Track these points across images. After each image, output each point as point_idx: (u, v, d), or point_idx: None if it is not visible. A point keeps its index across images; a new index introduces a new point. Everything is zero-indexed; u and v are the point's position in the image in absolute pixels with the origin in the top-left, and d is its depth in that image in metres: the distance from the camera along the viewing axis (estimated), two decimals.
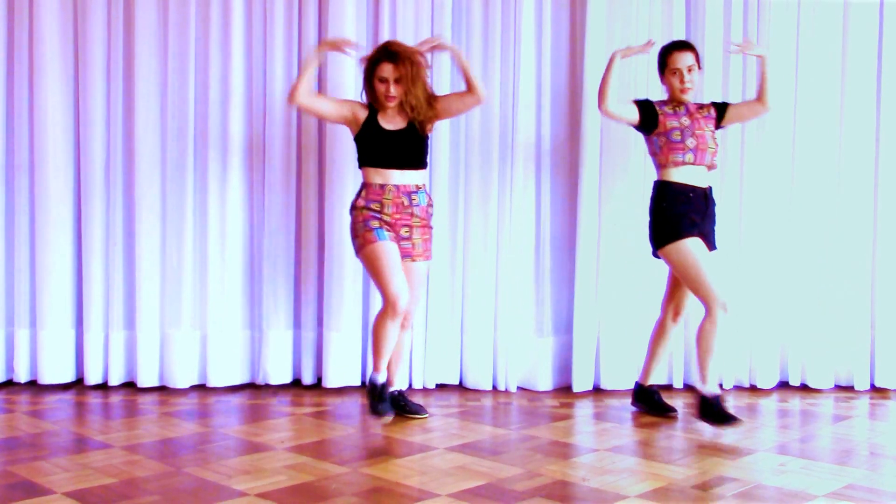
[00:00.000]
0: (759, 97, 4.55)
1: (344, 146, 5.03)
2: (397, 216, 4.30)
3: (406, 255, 4.34)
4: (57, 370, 5.15)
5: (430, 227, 4.45)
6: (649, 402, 4.66)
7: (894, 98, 5.40)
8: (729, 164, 5.29)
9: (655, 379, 4.76)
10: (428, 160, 4.48)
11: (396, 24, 5.15)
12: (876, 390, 5.37)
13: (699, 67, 4.42)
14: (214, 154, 5.12)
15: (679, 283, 4.47)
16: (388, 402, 4.25)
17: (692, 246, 4.26)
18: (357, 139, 4.38)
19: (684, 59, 4.35)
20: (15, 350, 5.17)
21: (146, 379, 5.11)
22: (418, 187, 4.35)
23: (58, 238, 5.14)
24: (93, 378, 5.14)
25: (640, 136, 4.65)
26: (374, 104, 4.36)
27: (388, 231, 4.26)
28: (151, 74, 5.10)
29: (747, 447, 4.02)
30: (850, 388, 5.38)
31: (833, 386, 5.40)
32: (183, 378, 5.10)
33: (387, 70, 4.25)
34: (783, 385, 5.42)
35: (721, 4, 5.27)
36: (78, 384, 5.20)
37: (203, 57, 5.11)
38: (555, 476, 3.52)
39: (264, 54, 5.14)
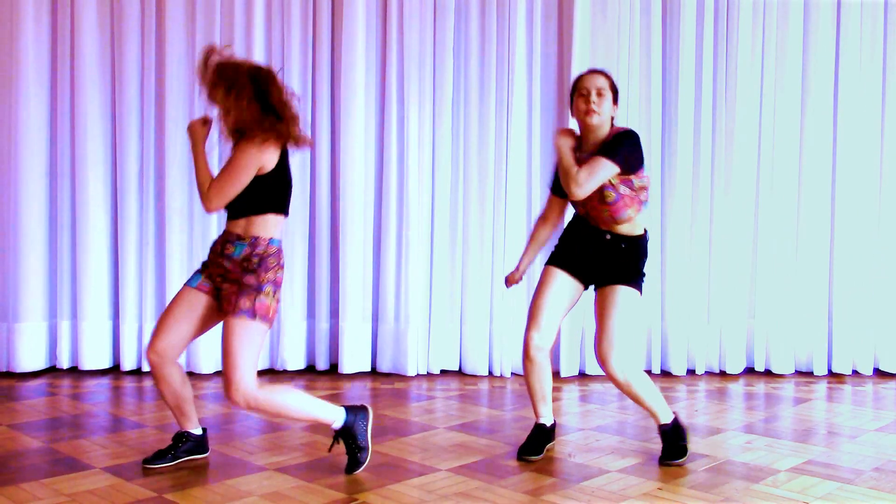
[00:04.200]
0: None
1: (354, 150, 5.07)
2: (212, 264, 3.23)
3: (223, 309, 3.20)
4: (95, 357, 5.15)
5: (246, 284, 3.08)
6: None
7: (851, 102, 5.35)
8: (702, 168, 5.27)
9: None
10: (259, 206, 3.12)
11: (403, 30, 5.15)
12: (833, 375, 5.40)
13: (614, 102, 3.36)
14: None
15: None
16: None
17: (545, 274, 3.54)
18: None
19: (594, 81, 3.34)
20: (58, 339, 5.16)
21: None
22: (239, 237, 3.14)
23: (96, 239, 5.14)
24: (128, 364, 5.15)
25: None
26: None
27: (208, 277, 3.24)
28: (180, 93, 5.09)
29: (717, 426, 4.03)
30: (809, 374, 5.41)
31: (794, 371, 5.43)
32: (208, 364, 5.10)
33: None
34: (749, 371, 5.44)
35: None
36: (114, 370, 5.20)
37: None
38: (544, 453, 3.50)
39: (283, 62, 5.11)
